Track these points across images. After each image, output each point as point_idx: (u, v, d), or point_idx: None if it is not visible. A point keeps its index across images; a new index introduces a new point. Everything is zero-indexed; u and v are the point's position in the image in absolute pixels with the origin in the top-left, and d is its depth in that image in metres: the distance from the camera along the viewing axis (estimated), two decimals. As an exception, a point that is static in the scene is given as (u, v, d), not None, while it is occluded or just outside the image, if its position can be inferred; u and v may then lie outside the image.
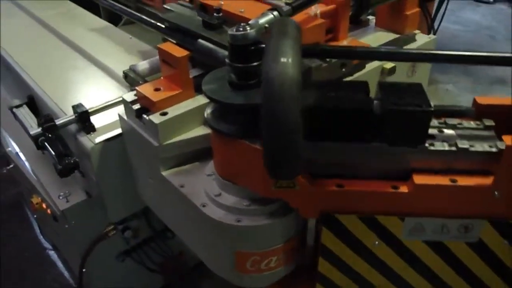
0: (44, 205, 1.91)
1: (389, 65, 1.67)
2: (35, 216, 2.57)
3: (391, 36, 1.78)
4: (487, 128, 1.05)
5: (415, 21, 1.83)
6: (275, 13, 1.07)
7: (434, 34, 4.40)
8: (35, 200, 1.98)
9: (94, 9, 2.53)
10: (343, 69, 1.46)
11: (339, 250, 1.14)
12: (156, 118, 1.25)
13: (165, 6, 1.78)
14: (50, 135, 1.42)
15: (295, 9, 1.15)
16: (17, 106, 1.79)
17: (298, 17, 1.32)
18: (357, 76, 1.56)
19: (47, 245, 2.66)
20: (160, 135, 1.25)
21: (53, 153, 1.41)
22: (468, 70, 4.36)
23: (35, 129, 1.46)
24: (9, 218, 2.95)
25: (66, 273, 2.50)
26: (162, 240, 2.06)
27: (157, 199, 1.50)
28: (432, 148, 1.00)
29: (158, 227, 1.97)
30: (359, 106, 0.98)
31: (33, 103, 1.84)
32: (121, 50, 2.06)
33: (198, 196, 1.22)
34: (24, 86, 1.90)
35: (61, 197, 1.73)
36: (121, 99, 1.41)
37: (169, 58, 1.28)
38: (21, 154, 2.09)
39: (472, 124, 1.06)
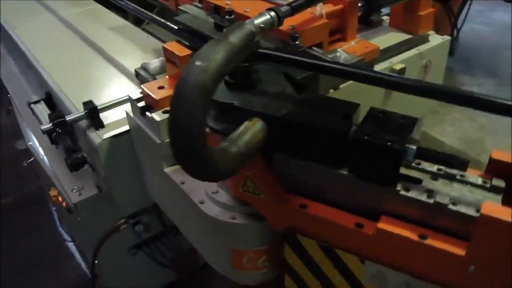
0: (60, 198, 1.98)
1: (398, 65, 1.65)
2: (54, 208, 2.65)
3: (403, 36, 1.76)
4: (494, 189, 0.89)
5: (429, 22, 1.80)
6: (272, 13, 1.07)
7: (457, 34, 4.33)
8: (53, 192, 2.05)
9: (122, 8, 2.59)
10: None
11: (301, 270, 1.11)
12: (158, 115, 1.28)
13: (180, 7, 1.80)
14: (60, 130, 1.46)
15: (295, 9, 1.14)
16: (35, 102, 1.85)
17: (301, 17, 1.33)
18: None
19: (66, 237, 2.75)
20: (162, 132, 1.28)
21: (62, 147, 1.45)
22: (492, 71, 4.26)
23: (46, 124, 1.51)
24: (33, 210, 3.06)
25: (83, 264, 2.57)
26: (173, 235, 2.10)
27: (162, 195, 1.53)
28: (403, 193, 0.89)
29: (169, 223, 2.00)
30: (329, 127, 0.91)
31: (50, 99, 1.91)
32: (137, 49, 2.10)
33: (197, 193, 1.24)
34: (43, 82, 1.96)
35: (74, 191, 1.78)
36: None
37: (173, 57, 1.31)
38: (40, 149, 2.17)
39: (478, 179, 0.92)
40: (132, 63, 1.90)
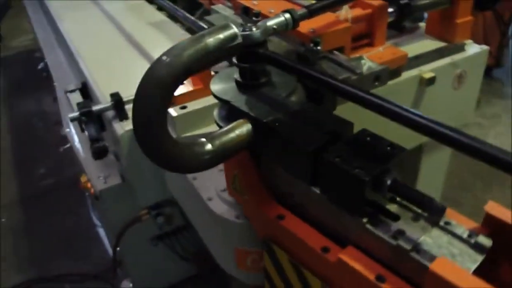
0: (89, 184, 2.05)
1: (428, 74, 1.60)
2: (86, 194, 2.75)
3: (437, 44, 1.71)
4: (477, 246, 0.79)
5: (467, 30, 1.73)
6: (287, 15, 1.07)
7: (508, 43, 4.11)
8: (83, 178, 2.13)
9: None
10: (376, 83, 1.26)
11: (276, 280, 1.09)
12: (174, 111, 1.30)
13: (212, 7, 1.82)
14: (85, 119, 1.51)
15: (313, 12, 1.13)
16: (71, 91, 1.93)
17: (324, 20, 1.31)
18: (391, 84, 1.51)
19: (97, 222, 2.85)
20: (177, 127, 1.30)
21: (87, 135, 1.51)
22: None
23: (74, 113, 1.57)
24: (68, 195, 3.19)
25: (109, 250, 2.65)
26: (194, 229, 2.13)
27: (177, 189, 1.55)
28: (369, 227, 0.83)
29: (190, 217, 2.03)
30: (301, 142, 0.86)
31: (86, 89, 1.98)
32: (169, 42, 2.15)
33: (207, 189, 1.26)
34: (80, 72, 2.04)
35: (100, 178, 1.85)
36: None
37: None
38: (75, 136, 2.26)
39: (465, 232, 0.83)
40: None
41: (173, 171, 0.91)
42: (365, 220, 0.83)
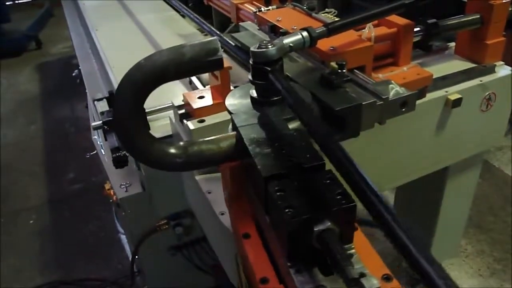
0: (112, 192, 2.09)
1: (454, 95, 1.56)
2: (110, 200, 2.80)
3: (465, 65, 1.66)
4: None
5: (498, 51, 1.68)
6: (305, 33, 1.06)
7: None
8: (107, 186, 2.17)
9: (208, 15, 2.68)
10: (403, 109, 1.17)
11: None
12: (192, 124, 1.31)
13: (241, 24, 1.82)
14: (107, 128, 1.54)
15: (331, 31, 1.12)
16: (99, 99, 1.97)
17: (345, 38, 1.30)
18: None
19: (120, 229, 2.89)
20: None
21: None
22: None
23: (97, 122, 1.61)
24: (95, 201, 3.26)
25: (130, 257, 2.69)
26: (212, 242, 2.13)
27: (193, 201, 1.56)
28: (290, 270, 0.76)
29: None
30: (258, 165, 0.82)
31: (113, 98, 2.02)
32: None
33: (220, 204, 1.25)
34: (108, 82, 2.09)
35: (122, 186, 1.87)
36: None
37: (213, 69, 1.33)
38: (100, 143, 2.31)
39: None
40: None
41: (144, 164, 0.99)
42: (290, 263, 0.77)
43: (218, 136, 0.96)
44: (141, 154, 0.93)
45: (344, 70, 1.17)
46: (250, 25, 1.77)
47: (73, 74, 4.06)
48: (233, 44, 1.68)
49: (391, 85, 1.20)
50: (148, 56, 0.90)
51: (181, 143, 0.95)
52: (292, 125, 0.98)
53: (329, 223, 0.73)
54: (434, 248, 2.27)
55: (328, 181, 0.78)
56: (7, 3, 6.63)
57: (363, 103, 1.08)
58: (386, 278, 0.79)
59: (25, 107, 5.04)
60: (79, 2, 3.26)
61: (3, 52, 6.36)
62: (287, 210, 0.72)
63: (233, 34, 1.70)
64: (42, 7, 7.49)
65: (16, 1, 7.96)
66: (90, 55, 3.02)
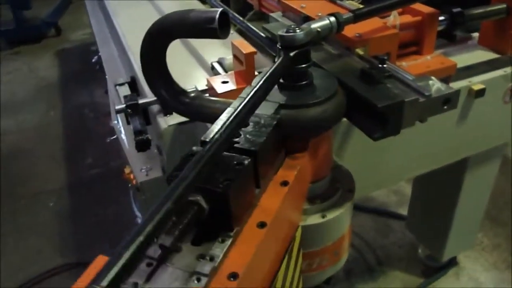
0: (131, 176, 2.12)
1: (478, 86, 1.55)
2: (129, 185, 2.84)
3: (489, 55, 1.65)
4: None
5: (523, 42, 1.67)
6: (332, 19, 1.07)
7: None
8: (127, 170, 2.20)
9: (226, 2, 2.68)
10: (445, 106, 1.11)
11: None
12: (216, 107, 1.33)
13: (271, 14, 1.78)
14: (131, 112, 1.57)
15: (358, 17, 1.12)
16: (120, 84, 2.00)
17: (370, 25, 1.30)
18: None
19: (138, 213, 2.93)
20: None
21: (131, 128, 1.56)
22: None
23: (120, 105, 1.63)
24: (112, 185, 3.30)
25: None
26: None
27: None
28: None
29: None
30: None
31: (134, 83, 2.05)
32: (220, 44, 2.18)
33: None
34: (130, 66, 2.11)
35: (142, 170, 1.90)
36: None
37: (238, 54, 1.35)
38: (122, 128, 2.34)
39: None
40: (211, 57, 1.97)
41: (155, 95, 1.24)
42: None
43: (220, 99, 1.07)
44: (156, 88, 1.17)
45: (385, 65, 1.15)
46: (279, 16, 1.76)
47: (93, 60, 4.10)
48: (264, 36, 1.66)
49: (431, 81, 1.15)
50: (165, 14, 1.07)
51: (191, 91, 1.17)
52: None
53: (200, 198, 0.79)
54: (450, 240, 2.27)
55: (229, 164, 0.84)
56: (28, -10, 6.67)
57: (406, 100, 1.04)
58: (233, 277, 0.76)
59: (45, 93, 5.11)
60: (100, -12, 3.29)
61: (23, 38, 6.44)
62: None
63: (264, 25, 1.69)
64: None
65: (36, -12, 8.03)
66: (110, 41, 3.05)
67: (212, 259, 0.77)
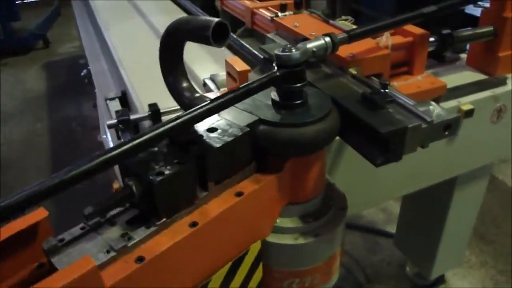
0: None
1: (467, 106, 1.57)
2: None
3: (477, 76, 1.69)
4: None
5: (510, 64, 1.70)
6: (327, 39, 1.08)
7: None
8: (116, 185, 2.18)
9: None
10: (446, 132, 1.10)
11: None
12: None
13: (268, 35, 1.76)
14: (122, 127, 1.56)
15: (352, 37, 1.14)
16: (111, 99, 1.99)
17: (363, 45, 1.32)
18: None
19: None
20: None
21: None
22: None
23: (112, 120, 1.62)
24: (100, 198, 3.25)
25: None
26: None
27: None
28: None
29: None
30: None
31: (125, 98, 2.04)
32: (211, 60, 2.19)
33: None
34: (121, 81, 2.11)
35: (131, 186, 1.88)
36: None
37: (232, 71, 1.36)
38: (111, 143, 2.32)
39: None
40: (202, 73, 1.98)
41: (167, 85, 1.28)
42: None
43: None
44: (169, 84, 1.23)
45: (386, 90, 1.14)
46: (276, 37, 1.76)
47: (82, 74, 4.08)
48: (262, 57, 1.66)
49: (431, 106, 1.16)
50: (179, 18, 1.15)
51: (197, 94, 1.21)
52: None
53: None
54: (438, 258, 2.28)
55: (172, 160, 0.93)
56: (17, 1, 6.65)
57: (409, 126, 1.02)
58: (139, 260, 0.87)
59: (32, 105, 5.07)
60: (91, 2, 3.28)
61: (11, 50, 6.40)
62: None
63: (262, 46, 1.69)
64: (51, 6, 7.53)
65: (25, 0, 8.02)
66: (100, 55, 3.04)
67: (129, 239, 0.87)
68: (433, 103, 1.16)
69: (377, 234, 3.02)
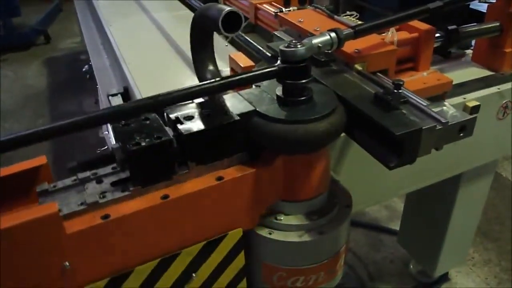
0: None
1: (472, 102, 1.56)
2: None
3: (483, 73, 1.67)
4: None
5: (517, 60, 1.68)
6: (333, 34, 1.07)
7: None
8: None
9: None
10: (461, 133, 1.08)
11: None
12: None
13: (275, 33, 1.73)
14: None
15: (358, 33, 1.12)
16: (113, 95, 1.98)
17: (368, 41, 1.30)
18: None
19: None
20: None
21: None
22: None
23: (114, 117, 1.61)
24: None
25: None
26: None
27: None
28: None
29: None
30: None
31: (127, 94, 2.03)
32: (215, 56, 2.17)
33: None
34: (123, 77, 2.09)
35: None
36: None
37: (236, 67, 1.34)
38: (112, 139, 2.30)
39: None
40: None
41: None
42: None
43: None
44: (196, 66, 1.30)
45: (400, 91, 1.09)
46: (283, 35, 1.74)
47: (83, 69, 4.05)
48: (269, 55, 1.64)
49: (445, 107, 1.13)
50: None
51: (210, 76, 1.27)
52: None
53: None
54: (442, 255, 2.27)
55: (153, 134, 0.99)
56: (18, -3, 6.62)
57: (424, 127, 0.99)
58: (104, 218, 0.95)
59: (33, 101, 5.05)
60: (93, -2, 3.27)
61: (12, 45, 6.38)
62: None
63: (269, 44, 1.67)
64: (51, 2, 7.51)
65: (26, -5, 7.98)
66: (101, 51, 3.02)
67: (104, 198, 0.97)
68: (446, 103, 1.13)
69: (380, 231, 3.00)
